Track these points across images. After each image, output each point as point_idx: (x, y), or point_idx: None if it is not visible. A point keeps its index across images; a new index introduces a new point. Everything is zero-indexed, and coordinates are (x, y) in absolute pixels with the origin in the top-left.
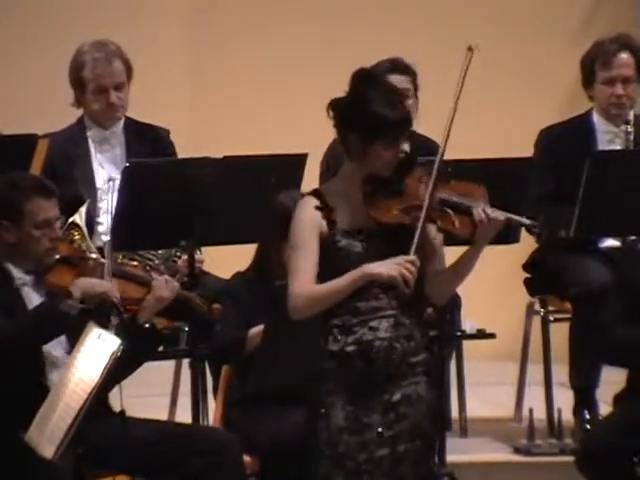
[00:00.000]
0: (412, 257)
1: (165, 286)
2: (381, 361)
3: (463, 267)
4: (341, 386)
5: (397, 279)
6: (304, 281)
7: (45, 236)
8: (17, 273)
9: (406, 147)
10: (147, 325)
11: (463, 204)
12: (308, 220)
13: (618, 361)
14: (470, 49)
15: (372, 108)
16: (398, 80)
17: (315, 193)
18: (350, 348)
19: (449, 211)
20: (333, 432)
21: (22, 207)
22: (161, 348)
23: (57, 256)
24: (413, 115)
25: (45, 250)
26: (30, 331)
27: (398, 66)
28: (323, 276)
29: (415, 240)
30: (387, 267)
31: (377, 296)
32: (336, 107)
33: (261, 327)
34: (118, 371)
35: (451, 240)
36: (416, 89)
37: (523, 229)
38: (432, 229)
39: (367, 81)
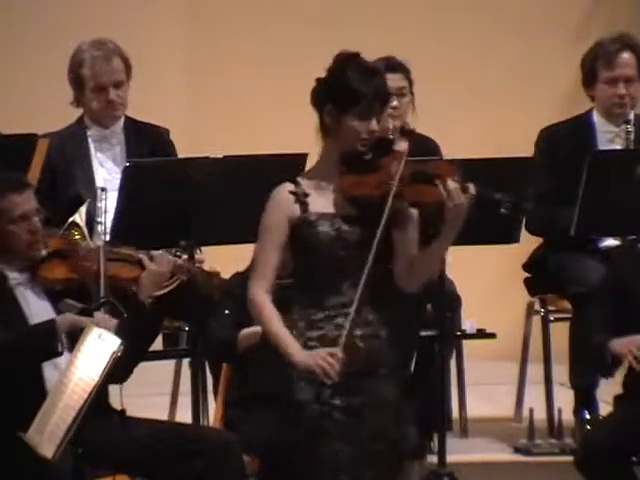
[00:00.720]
0: (335, 350)
1: (158, 260)
2: (345, 360)
3: (435, 249)
4: (306, 382)
5: (315, 371)
6: (259, 283)
7: (23, 230)
8: (11, 273)
9: (375, 125)
10: (149, 300)
11: (433, 176)
12: (276, 207)
13: (605, 370)
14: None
15: (346, 79)
16: (393, 79)
17: (292, 180)
18: (312, 343)
19: (416, 183)
20: (304, 429)
21: None
22: (161, 347)
23: (44, 251)
24: (410, 110)
25: (27, 244)
26: (25, 351)
27: (392, 65)
28: (298, 255)
29: (385, 213)
30: (309, 359)
31: (345, 292)
32: (316, 86)
33: (254, 328)
34: (133, 354)
35: (424, 213)
36: (411, 84)
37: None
38: (404, 209)
39: (345, 59)
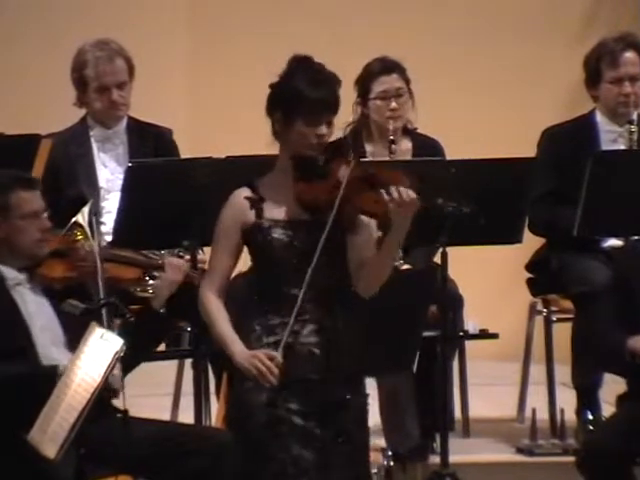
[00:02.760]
0: (274, 354)
1: (177, 269)
2: (301, 366)
3: (383, 255)
4: (260, 386)
5: (251, 372)
6: (208, 284)
7: (33, 227)
8: (9, 273)
9: (324, 130)
10: (162, 311)
11: (381, 184)
12: (231, 212)
13: (612, 368)
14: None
15: (292, 85)
16: (390, 80)
17: (250, 184)
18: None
19: (364, 191)
20: (256, 433)
21: (6, 201)
22: (164, 348)
23: (47, 250)
24: (409, 109)
25: (35, 241)
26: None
27: (387, 66)
28: (254, 259)
29: (330, 218)
30: (246, 361)
31: (296, 298)
32: (269, 91)
33: None
34: (133, 359)
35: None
36: (408, 83)
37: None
38: (353, 214)
39: (296, 64)
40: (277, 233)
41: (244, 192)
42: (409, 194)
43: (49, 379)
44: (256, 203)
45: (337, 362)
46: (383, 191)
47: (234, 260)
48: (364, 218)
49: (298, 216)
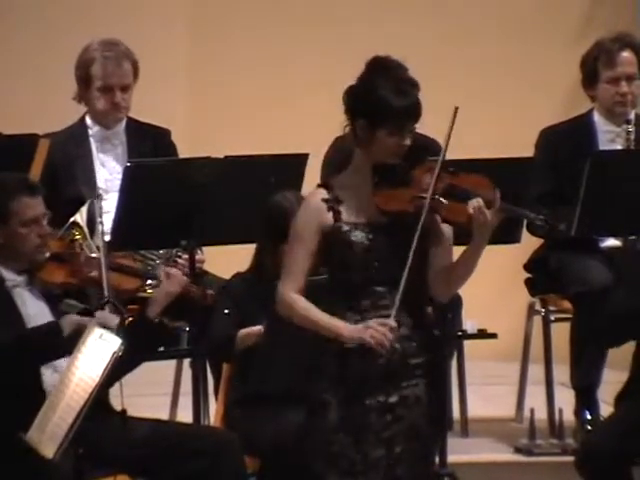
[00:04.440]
0: (389, 320)
1: (174, 280)
2: (380, 361)
3: (463, 264)
4: (337, 384)
5: (371, 344)
6: (290, 285)
7: (33, 233)
8: (8, 275)
9: (408, 140)
10: (157, 320)
11: (464, 193)
12: (308, 215)
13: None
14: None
15: (378, 94)
16: None
17: (326, 185)
18: (352, 346)
19: (447, 200)
20: (328, 430)
21: (8, 207)
22: (162, 348)
23: (48, 254)
24: None
25: (35, 247)
26: (28, 351)
27: None
28: (328, 264)
29: (418, 229)
30: (359, 331)
31: (378, 294)
32: (347, 93)
33: (252, 328)
34: (124, 367)
35: (457, 232)
36: None
37: (525, 225)
38: (438, 221)
39: (378, 68)
40: (357, 236)
41: (320, 194)
42: (495, 205)
43: (54, 331)
44: (334, 205)
45: (413, 358)
46: (470, 203)
47: (313, 261)
48: (444, 226)
49: (377, 218)
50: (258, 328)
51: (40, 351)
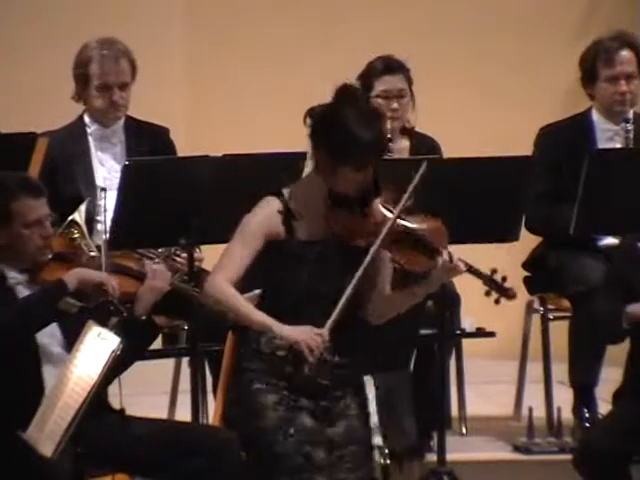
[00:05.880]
0: (323, 330)
1: (157, 275)
2: (310, 371)
3: (408, 299)
4: (270, 387)
5: (301, 346)
6: (225, 275)
7: (36, 234)
8: (10, 273)
9: (370, 174)
10: (144, 317)
11: (427, 243)
12: (264, 219)
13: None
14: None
15: (346, 127)
16: (393, 80)
17: (279, 195)
18: (281, 352)
19: (407, 248)
20: (269, 432)
21: (10, 208)
22: (160, 346)
23: (49, 256)
24: (410, 109)
25: (37, 248)
26: (23, 315)
27: (391, 66)
28: (273, 277)
29: (365, 264)
30: (296, 333)
31: (314, 316)
32: (312, 117)
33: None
34: (117, 365)
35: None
36: (410, 84)
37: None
38: (385, 256)
39: (346, 98)
40: (306, 253)
41: (277, 204)
42: (459, 264)
43: (57, 284)
44: (288, 220)
45: (339, 369)
46: (439, 256)
47: (251, 262)
48: (384, 253)
49: (327, 237)
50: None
51: (41, 305)
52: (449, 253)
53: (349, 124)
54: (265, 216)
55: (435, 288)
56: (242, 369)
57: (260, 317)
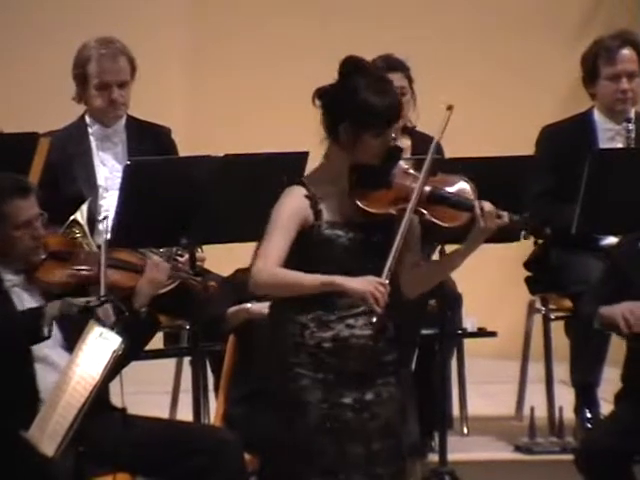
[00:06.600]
0: (384, 280)
1: (156, 268)
2: (356, 359)
3: (449, 264)
4: (316, 383)
5: (368, 297)
6: (270, 260)
7: (27, 236)
8: (6, 275)
9: (391, 140)
10: (143, 310)
11: (459, 199)
12: (295, 206)
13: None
14: (449, 108)
15: (361, 96)
16: (394, 78)
17: (301, 183)
18: (327, 344)
19: (441, 206)
20: (309, 430)
21: (2, 210)
22: (162, 346)
23: (43, 255)
24: (411, 108)
25: (29, 249)
26: (11, 332)
27: (392, 64)
28: (304, 264)
29: (400, 232)
30: (359, 284)
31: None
32: (324, 96)
33: (241, 305)
34: (118, 361)
35: (436, 235)
36: (411, 82)
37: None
38: (415, 220)
39: (356, 69)
40: (336, 234)
41: (302, 190)
42: (500, 215)
43: (35, 315)
44: (315, 203)
45: (386, 354)
46: (475, 205)
47: (287, 252)
48: (414, 220)
49: (355, 218)
50: (248, 305)
51: (22, 331)
52: (481, 205)
53: (364, 91)
54: (294, 202)
55: (476, 246)
56: (288, 365)
57: (321, 278)
